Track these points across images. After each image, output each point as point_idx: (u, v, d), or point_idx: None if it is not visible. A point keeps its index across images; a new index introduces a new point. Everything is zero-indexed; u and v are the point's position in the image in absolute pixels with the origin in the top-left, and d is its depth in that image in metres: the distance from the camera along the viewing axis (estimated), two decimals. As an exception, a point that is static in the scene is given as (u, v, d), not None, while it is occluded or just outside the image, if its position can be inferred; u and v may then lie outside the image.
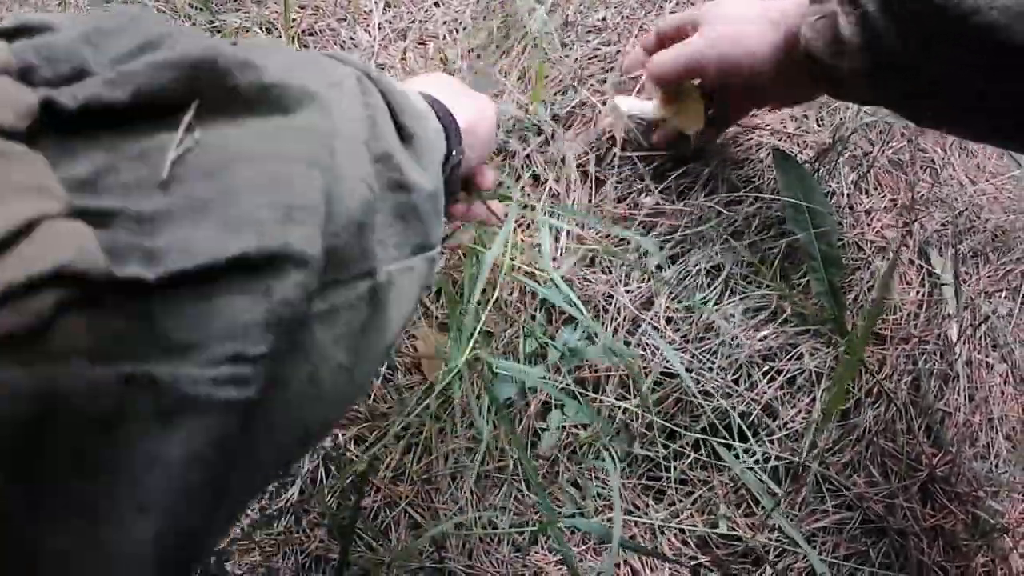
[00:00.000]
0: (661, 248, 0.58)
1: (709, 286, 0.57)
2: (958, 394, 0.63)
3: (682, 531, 0.57)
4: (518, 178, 0.61)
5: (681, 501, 0.57)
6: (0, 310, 0.17)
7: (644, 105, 0.58)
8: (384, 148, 0.29)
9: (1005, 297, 0.66)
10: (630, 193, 0.60)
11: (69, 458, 0.19)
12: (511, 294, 0.58)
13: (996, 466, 0.65)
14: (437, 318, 0.59)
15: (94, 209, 0.20)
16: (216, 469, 0.22)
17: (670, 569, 0.56)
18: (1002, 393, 0.66)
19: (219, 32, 0.69)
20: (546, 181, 0.60)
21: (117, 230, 0.20)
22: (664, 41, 0.56)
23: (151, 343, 0.20)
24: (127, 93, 0.21)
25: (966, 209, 0.67)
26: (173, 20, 0.70)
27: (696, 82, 0.56)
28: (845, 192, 0.62)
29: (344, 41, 0.68)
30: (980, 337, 0.65)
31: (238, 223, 0.22)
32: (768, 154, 0.62)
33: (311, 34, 0.69)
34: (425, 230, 0.31)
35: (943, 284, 0.62)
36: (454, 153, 0.38)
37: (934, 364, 0.62)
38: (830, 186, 0.62)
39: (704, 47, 0.52)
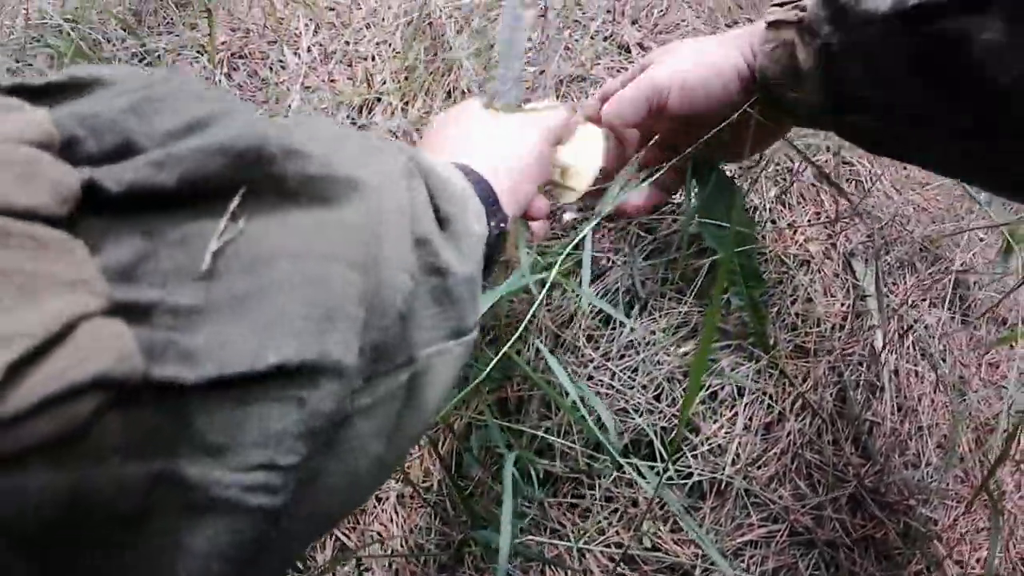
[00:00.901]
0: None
1: (630, 304, 0.58)
2: (885, 404, 0.64)
3: (608, 548, 0.57)
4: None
5: (607, 518, 0.57)
6: (37, 418, 0.17)
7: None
8: (422, 232, 0.29)
9: (932, 306, 0.67)
10: (551, 214, 0.60)
11: (97, 551, 0.19)
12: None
13: (928, 474, 0.65)
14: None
15: (132, 302, 0.20)
16: (239, 565, 0.22)
17: (597, 586, 0.56)
18: (932, 402, 0.66)
19: (148, 56, 0.69)
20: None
21: (155, 326, 0.20)
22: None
23: (184, 442, 0.20)
24: (173, 178, 0.21)
25: (892, 220, 0.67)
26: (105, 44, 0.71)
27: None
28: (768, 206, 0.63)
29: (273, 63, 0.68)
30: (908, 347, 0.65)
31: (275, 328, 0.21)
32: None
33: (241, 57, 0.69)
34: (460, 315, 0.31)
35: (867, 295, 0.63)
36: (492, 226, 0.37)
37: (860, 375, 0.63)
38: (752, 201, 0.62)
39: (664, 71, 0.48)
